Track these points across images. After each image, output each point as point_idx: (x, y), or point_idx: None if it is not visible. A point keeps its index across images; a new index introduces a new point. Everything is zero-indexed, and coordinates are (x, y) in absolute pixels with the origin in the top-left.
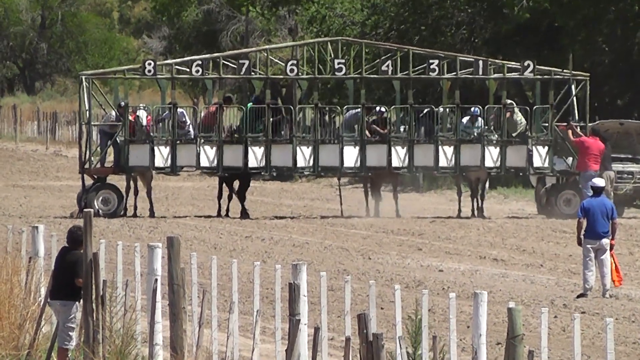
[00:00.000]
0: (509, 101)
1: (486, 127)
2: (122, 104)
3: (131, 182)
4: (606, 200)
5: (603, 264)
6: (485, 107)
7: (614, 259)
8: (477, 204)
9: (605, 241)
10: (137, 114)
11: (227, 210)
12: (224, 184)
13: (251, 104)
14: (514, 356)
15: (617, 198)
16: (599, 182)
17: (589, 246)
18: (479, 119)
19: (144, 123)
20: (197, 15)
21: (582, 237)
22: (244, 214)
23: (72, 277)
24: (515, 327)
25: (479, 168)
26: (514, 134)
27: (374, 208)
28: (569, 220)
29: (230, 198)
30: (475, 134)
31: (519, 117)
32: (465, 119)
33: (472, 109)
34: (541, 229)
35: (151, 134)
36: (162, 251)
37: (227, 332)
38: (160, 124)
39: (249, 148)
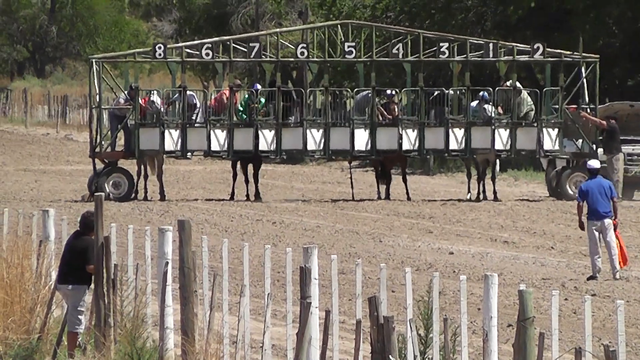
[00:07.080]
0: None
1: (495, 109)
2: (134, 86)
3: (142, 166)
4: (603, 180)
5: (610, 246)
6: (495, 90)
7: (619, 240)
8: (492, 187)
9: (608, 221)
10: (152, 98)
11: (247, 194)
12: (240, 168)
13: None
14: (525, 338)
15: (627, 180)
16: (595, 163)
17: (592, 228)
18: (488, 105)
19: (160, 106)
20: None
21: (583, 220)
22: (258, 196)
23: (81, 261)
24: (526, 309)
25: (489, 150)
26: (521, 115)
27: (384, 191)
28: None
29: (247, 182)
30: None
31: (525, 96)
32: (474, 103)
33: (481, 93)
34: (552, 211)
35: (162, 117)
36: (172, 235)
37: (238, 316)
38: (171, 107)
39: (260, 131)
